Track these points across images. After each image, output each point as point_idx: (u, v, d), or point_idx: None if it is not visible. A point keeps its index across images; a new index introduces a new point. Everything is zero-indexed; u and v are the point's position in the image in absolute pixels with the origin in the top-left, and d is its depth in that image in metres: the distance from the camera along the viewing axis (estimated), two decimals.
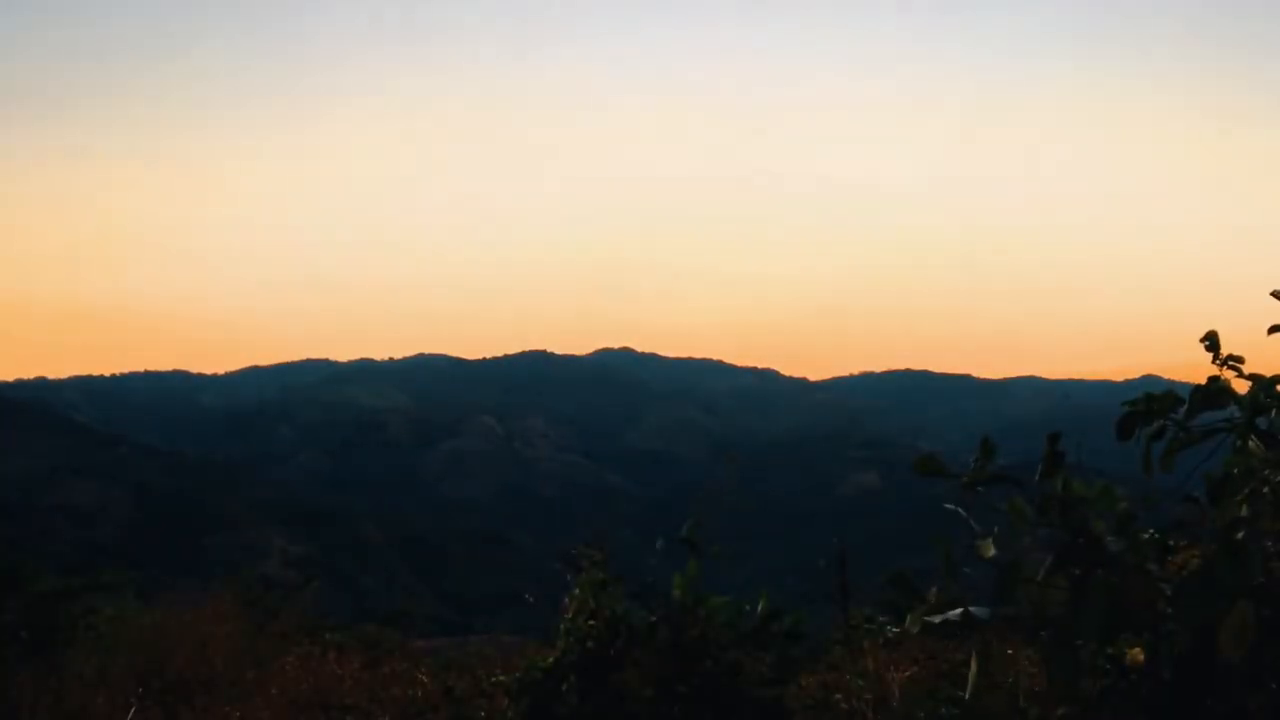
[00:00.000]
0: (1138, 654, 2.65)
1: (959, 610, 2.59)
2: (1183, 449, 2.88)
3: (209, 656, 6.25)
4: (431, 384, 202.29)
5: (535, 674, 5.09)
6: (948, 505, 2.69)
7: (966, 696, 2.55)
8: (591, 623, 5.09)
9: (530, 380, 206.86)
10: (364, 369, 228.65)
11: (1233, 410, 2.82)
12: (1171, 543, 2.69)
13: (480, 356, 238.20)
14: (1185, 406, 2.88)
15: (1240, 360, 2.87)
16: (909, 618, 2.67)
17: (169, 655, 6.16)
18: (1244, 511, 2.60)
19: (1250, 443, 2.73)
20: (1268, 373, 2.81)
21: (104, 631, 7.17)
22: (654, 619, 5.05)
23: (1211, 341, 2.90)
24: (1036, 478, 2.66)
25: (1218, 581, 2.33)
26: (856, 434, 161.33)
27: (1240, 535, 2.49)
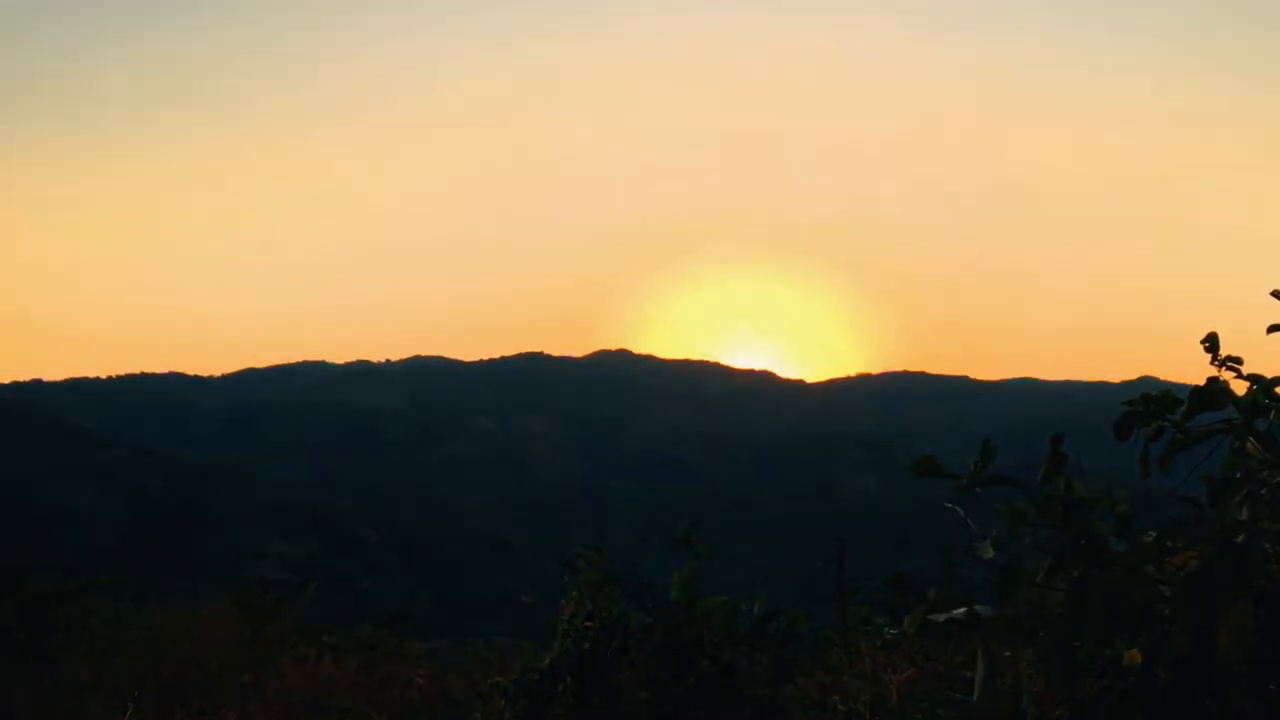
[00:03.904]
0: (1135, 655, 2.64)
1: (963, 609, 2.59)
2: (1181, 450, 2.88)
3: (205, 659, 6.23)
4: (428, 386, 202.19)
5: (532, 676, 5.09)
6: (948, 505, 2.69)
7: (975, 698, 2.54)
8: (588, 624, 5.08)
9: (527, 382, 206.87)
10: (361, 371, 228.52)
11: (1231, 412, 2.82)
12: (1169, 544, 2.69)
13: (477, 358, 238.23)
14: (1183, 408, 2.88)
15: (1239, 361, 2.87)
16: (907, 618, 2.67)
17: (165, 658, 6.15)
18: (1243, 514, 2.60)
19: (1249, 444, 2.73)
20: (1267, 373, 2.81)
21: (100, 634, 7.15)
22: (650, 620, 5.04)
23: (1211, 343, 2.90)
24: (1039, 479, 2.66)
25: (1217, 582, 2.33)
26: (853, 436, 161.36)
27: (1240, 537, 2.49)
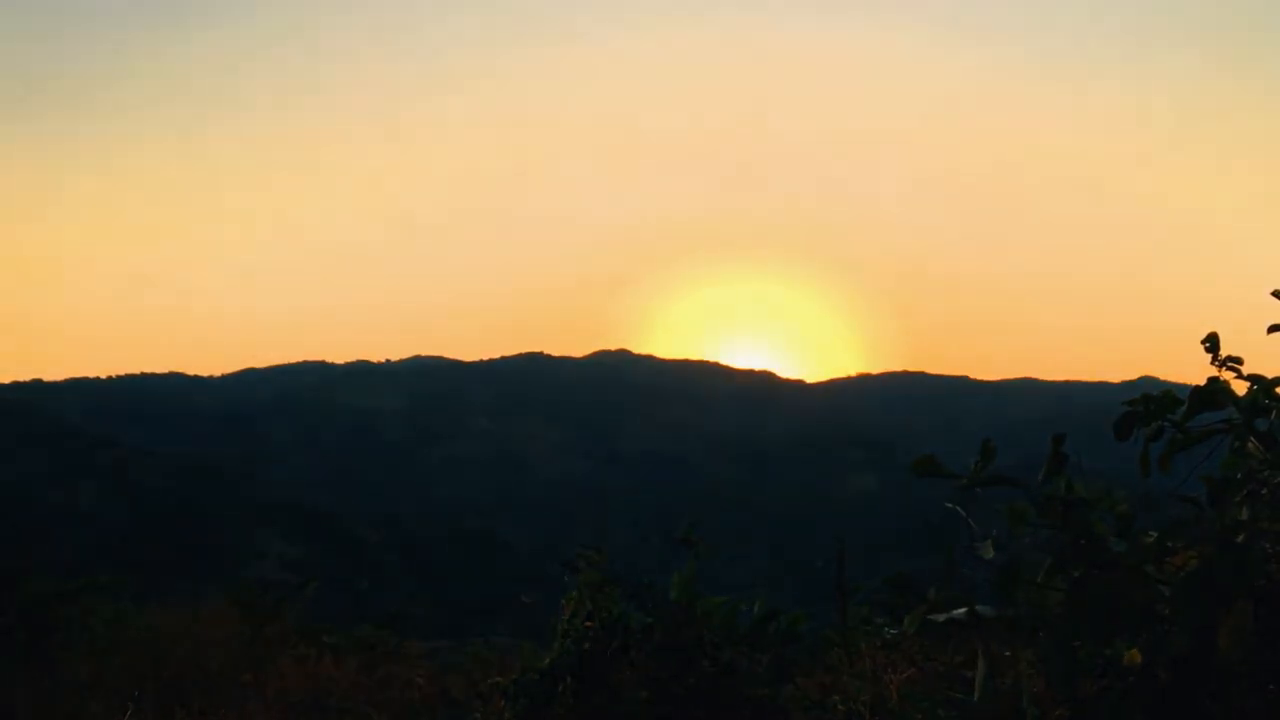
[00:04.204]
0: (1135, 655, 2.64)
1: (963, 610, 2.59)
2: (1181, 450, 2.88)
3: (205, 659, 6.23)
4: (428, 386, 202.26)
5: (532, 676, 5.09)
6: (949, 504, 2.69)
7: (975, 698, 2.54)
8: (588, 624, 5.09)
9: (527, 382, 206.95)
10: (360, 371, 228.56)
11: (1231, 412, 2.82)
12: (1169, 544, 2.69)
13: (477, 358, 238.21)
14: (1183, 408, 2.88)
15: (1239, 361, 2.87)
16: (907, 618, 2.67)
17: (165, 658, 6.15)
18: (1243, 514, 2.60)
19: (1249, 444, 2.73)
20: (1267, 373, 2.81)
21: (100, 634, 7.15)
22: (650, 620, 5.04)
23: (1211, 343, 2.90)
24: (1039, 479, 2.67)
25: (1217, 582, 2.33)
26: (853, 436, 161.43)
27: (1240, 537, 2.49)
